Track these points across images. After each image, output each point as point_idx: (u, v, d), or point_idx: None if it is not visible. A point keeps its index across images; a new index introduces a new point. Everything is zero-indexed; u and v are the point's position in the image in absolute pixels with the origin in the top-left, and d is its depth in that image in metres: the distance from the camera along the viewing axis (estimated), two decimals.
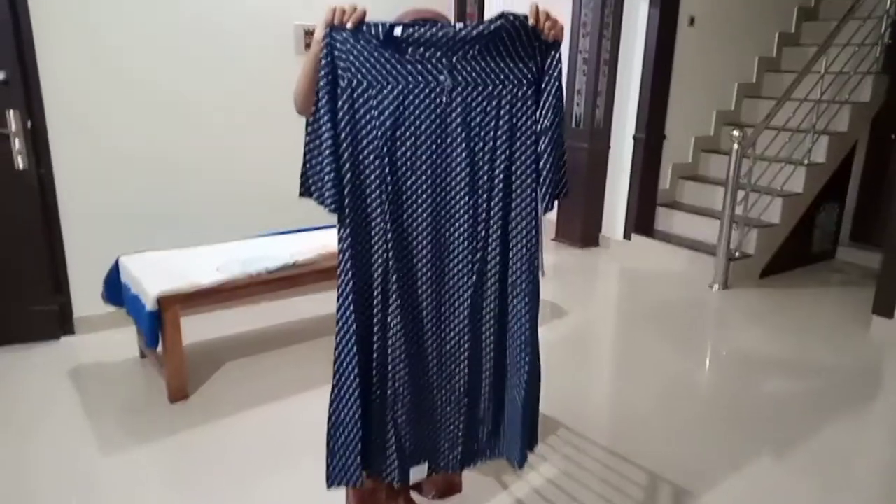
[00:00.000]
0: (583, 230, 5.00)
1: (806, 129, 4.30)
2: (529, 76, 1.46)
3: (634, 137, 4.74)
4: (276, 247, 2.89)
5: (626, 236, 4.90)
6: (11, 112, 2.70)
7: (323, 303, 3.23)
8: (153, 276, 2.54)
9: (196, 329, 3.14)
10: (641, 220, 4.84)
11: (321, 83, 1.41)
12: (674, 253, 4.51)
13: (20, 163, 2.75)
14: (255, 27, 3.37)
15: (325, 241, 2.88)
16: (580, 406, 2.65)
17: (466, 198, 1.50)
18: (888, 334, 3.36)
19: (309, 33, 3.39)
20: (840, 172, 4.57)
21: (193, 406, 2.54)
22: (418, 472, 1.68)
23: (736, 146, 3.88)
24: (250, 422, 2.45)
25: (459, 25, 1.41)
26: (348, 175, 1.45)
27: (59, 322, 3.09)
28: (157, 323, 2.43)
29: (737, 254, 4.15)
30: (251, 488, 2.05)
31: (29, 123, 2.81)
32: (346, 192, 1.46)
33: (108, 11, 2.96)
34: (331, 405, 1.54)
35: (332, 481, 1.58)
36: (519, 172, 1.50)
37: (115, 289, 2.80)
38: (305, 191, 1.51)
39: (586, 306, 3.88)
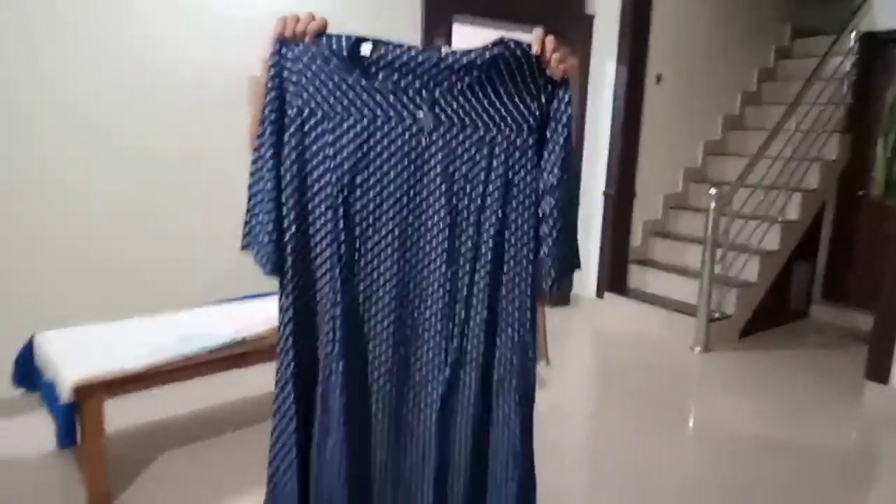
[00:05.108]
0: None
1: (779, 186, 4.21)
2: (531, 120, 1.19)
3: (604, 193, 4.59)
4: (219, 319, 2.53)
5: (599, 294, 4.68)
6: None
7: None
8: (71, 358, 2.15)
9: (122, 412, 2.72)
10: (614, 278, 4.63)
11: (266, 111, 1.14)
12: (648, 312, 4.29)
13: None
14: (198, 79, 3.10)
15: (276, 313, 2.53)
16: (552, 489, 2.34)
17: (443, 267, 1.21)
18: (885, 402, 3.16)
19: None
20: (811, 230, 4.50)
21: None
22: None
23: (713, 204, 3.74)
24: None
25: (447, 50, 1.14)
26: (293, 229, 1.17)
27: None
28: (73, 417, 2.05)
29: (716, 314, 3.96)
30: None
31: None
32: (288, 251, 1.18)
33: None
34: None
35: None
36: (513, 240, 1.21)
37: (27, 371, 2.38)
38: (247, 244, 1.22)
39: (558, 373, 3.59)
